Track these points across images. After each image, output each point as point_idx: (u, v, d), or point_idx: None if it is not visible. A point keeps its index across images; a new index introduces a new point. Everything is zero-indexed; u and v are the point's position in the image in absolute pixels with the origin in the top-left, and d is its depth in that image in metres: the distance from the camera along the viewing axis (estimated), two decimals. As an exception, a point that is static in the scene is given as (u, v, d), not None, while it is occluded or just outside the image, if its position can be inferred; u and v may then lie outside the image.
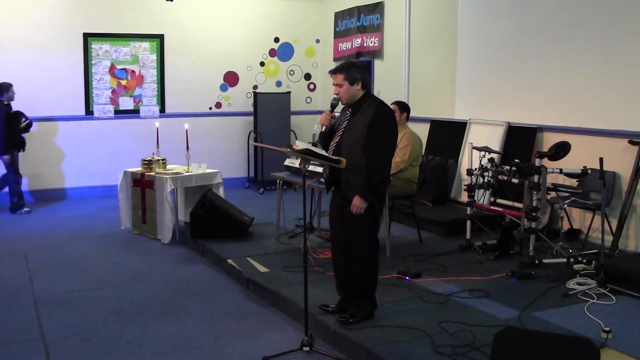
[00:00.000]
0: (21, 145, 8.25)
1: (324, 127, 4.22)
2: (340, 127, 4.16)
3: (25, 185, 8.99)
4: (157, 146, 7.32)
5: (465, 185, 6.27)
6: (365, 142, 3.97)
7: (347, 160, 3.96)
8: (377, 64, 9.32)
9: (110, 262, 6.10)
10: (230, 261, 5.67)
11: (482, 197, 6.23)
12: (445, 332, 3.99)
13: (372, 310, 4.24)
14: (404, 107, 6.39)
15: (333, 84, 4.15)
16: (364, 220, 4.06)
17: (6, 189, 8.30)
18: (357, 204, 3.99)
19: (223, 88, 10.16)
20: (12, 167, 8.14)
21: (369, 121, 3.99)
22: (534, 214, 5.37)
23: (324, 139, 4.27)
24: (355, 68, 4.12)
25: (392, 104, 6.24)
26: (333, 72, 4.15)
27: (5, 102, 8.09)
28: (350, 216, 4.06)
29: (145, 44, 9.54)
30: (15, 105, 8.79)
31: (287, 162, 6.30)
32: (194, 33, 9.80)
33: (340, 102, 4.21)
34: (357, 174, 4.00)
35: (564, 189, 5.94)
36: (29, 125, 8.32)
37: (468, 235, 6.12)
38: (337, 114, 4.29)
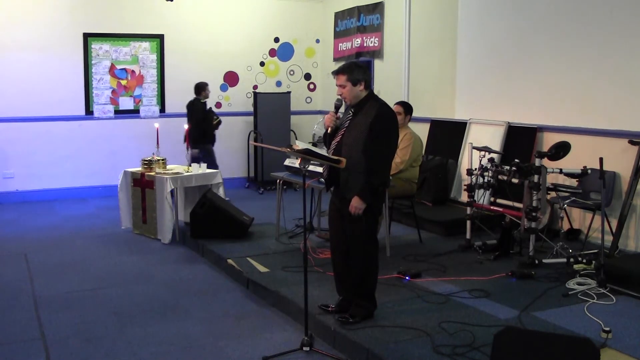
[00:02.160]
0: (213, 140, 8.73)
1: (329, 129, 4.22)
2: (342, 127, 4.17)
3: (26, 185, 9.01)
4: (157, 146, 7.32)
5: (465, 185, 6.27)
6: (366, 142, 3.97)
7: (347, 160, 3.96)
8: (377, 64, 9.32)
9: (110, 262, 6.10)
10: (230, 261, 5.68)
11: (482, 197, 6.23)
12: (445, 332, 3.99)
13: (372, 310, 4.24)
14: (407, 108, 6.37)
15: (336, 85, 4.15)
16: (362, 220, 4.06)
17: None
18: (356, 204, 3.99)
19: (223, 88, 10.16)
20: (207, 160, 8.54)
21: (370, 122, 3.99)
22: (534, 214, 5.37)
23: (328, 139, 4.28)
24: (358, 69, 4.12)
25: (395, 104, 6.23)
26: (336, 73, 4.15)
27: (202, 100, 8.61)
28: (349, 217, 4.06)
29: (145, 44, 9.54)
30: (15, 106, 8.83)
31: (287, 162, 6.31)
32: (194, 33, 9.80)
33: (343, 103, 4.22)
34: (356, 174, 4.00)
35: (564, 189, 5.94)
36: (219, 123, 8.92)
37: (468, 235, 6.12)
38: (341, 115, 4.29)
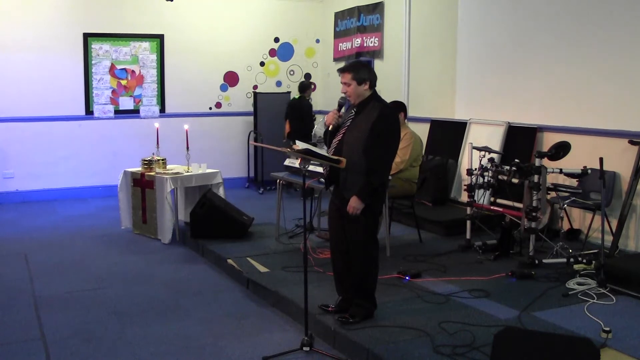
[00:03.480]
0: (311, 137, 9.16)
1: (330, 127, 4.23)
2: (344, 126, 4.17)
3: (26, 185, 9.01)
4: (157, 146, 7.32)
5: (465, 185, 6.27)
6: (367, 142, 3.97)
7: (347, 160, 3.96)
8: (377, 64, 9.31)
9: (110, 262, 6.10)
10: (230, 261, 5.68)
11: (482, 197, 6.23)
12: (445, 332, 3.99)
13: (372, 310, 4.24)
14: (400, 106, 6.36)
15: (341, 82, 4.15)
16: (362, 220, 4.05)
17: None
18: (354, 204, 3.99)
19: (223, 88, 10.16)
20: None
21: (372, 122, 3.99)
22: (534, 214, 5.37)
23: (329, 138, 4.28)
24: (364, 68, 4.13)
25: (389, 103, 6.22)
26: (341, 71, 4.15)
27: (307, 98, 9.16)
28: (349, 217, 4.06)
29: (145, 44, 9.54)
30: (15, 106, 8.82)
31: (287, 162, 6.31)
32: (194, 33, 9.80)
33: (347, 101, 4.22)
34: (356, 174, 4.00)
35: (564, 189, 5.94)
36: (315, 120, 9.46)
37: (468, 235, 6.12)
38: (343, 113, 4.30)
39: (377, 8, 9.16)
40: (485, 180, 5.85)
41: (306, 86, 9.32)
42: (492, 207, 6.34)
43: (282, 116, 9.85)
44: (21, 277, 5.61)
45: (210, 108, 10.10)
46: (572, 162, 5.88)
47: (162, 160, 7.13)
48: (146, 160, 7.11)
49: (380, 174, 4.05)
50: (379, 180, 4.04)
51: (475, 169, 5.96)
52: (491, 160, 5.92)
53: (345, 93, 4.15)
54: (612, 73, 6.03)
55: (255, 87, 10.32)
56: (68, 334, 4.33)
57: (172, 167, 7.20)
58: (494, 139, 7.02)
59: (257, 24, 10.26)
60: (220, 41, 10.01)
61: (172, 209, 6.74)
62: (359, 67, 4.12)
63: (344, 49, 10.04)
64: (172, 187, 6.69)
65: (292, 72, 10.65)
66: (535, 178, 5.37)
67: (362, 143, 3.99)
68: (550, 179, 5.96)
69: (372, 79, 4.12)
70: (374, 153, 3.97)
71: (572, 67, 6.43)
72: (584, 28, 6.29)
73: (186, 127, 7.23)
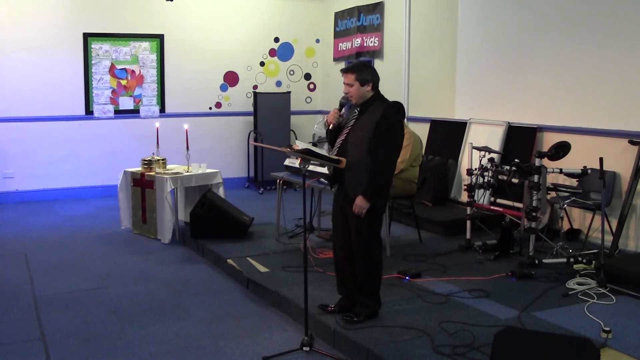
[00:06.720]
0: None
1: (331, 125, 4.24)
2: (347, 126, 4.18)
3: (26, 185, 9.01)
4: (157, 146, 7.32)
5: (465, 185, 6.27)
6: (372, 142, 3.98)
7: (352, 159, 3.97)
8: (377, 64, 9.30)
9: (110, 262, 6.10)
10: (230, 261, 5.68)
11: (482, 197, 6.23)
12: (445, 332, 3.99)
13: (376, 309, 4.24)
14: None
15: (344, 83, 4.16)
16: (366, 219, 4.06)
17: None
18: (360, 204, 4.00)
19: (223, 88, 10.16)
20: None
21: (376, 122, 4.00)
22: (534, 214, 5.37)
23: (331, 136, 4.29)
24: (367, 69, 4.15)
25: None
26: (345, 72, 4.17)
27: None
28: (354, 215, 4.06)
29: (145, 44, 9.54)
30: (15, 106, 8.82)
31: (287, 162, 6.30)
32: (194, 33, 9.80)
33: (349, 101, 4.23)
34: (361, 173, 4.01)
35: (564, 189, 5.94)
36: None
37: (468, 235, 6.12)
38: (344, 113, 4.31)
39: (377, 8, 9.16)
40: (485, 180, 5.86)
41: None
42: (492, 207, 6.34)
43: (282, 116, 9.86)
44: (21, 277, 5.61)
45: (210, 108, 10.10)
46: (572, 162, 5.89)
47: (162, 160, 7.13)
48: (146, 160, 7.11)
49: (385, 173, 4.06)
50: (384, 179, 4.05)
51: (475, 169, 5.96)
52: (491, 160, 5.92)
53: (347, 93, 4.16)
54: (612, 73, 6.04)
55: (255, 87, 10.31)
56: (68, 334, 4.33)
57: (172, 167, 7.20)
58: (494, 139, 7.02)
59: (257, 24, 10.25)
60: (220, 41, 10.00)
61: (172, 209, 6.74)
62: (363, 68, 4.14)
63: (344, 49, 10.03)
64: (172, 187, 6.69)
65: (292, 72, 10.65)
66: (535, 178, 5.37)
67: (366, 142, 4.00)
68: (550, 179, 5.97)
69: (375, 80, 4.14)
70: (379, 152, 3.98)
71: (572, 67, 6.44)
72: (584, 28, 6.29)
73: (186, 127, 7.23)
